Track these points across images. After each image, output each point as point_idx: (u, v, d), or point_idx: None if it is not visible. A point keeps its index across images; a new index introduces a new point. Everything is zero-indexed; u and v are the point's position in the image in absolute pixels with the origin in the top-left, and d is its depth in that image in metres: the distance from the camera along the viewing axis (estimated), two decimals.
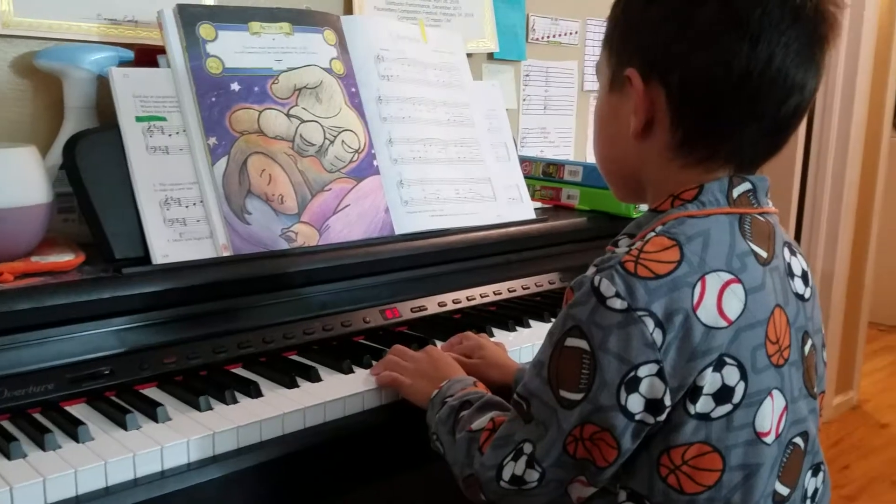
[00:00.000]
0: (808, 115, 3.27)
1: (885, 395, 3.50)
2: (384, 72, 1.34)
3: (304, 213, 1.18)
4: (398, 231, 1.27)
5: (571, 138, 2.11)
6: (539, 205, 1.66)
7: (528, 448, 0.76)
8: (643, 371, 0.69)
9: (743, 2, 0.71)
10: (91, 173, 1.06)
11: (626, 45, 0.78)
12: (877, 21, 2.95)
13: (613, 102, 0.80)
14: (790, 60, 0.72)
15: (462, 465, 0.83)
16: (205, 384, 0.97)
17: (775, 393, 0.74)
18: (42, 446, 0.81)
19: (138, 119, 1.10)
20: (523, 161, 1.66)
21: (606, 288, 0.70)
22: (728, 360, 0.70)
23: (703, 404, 0.71)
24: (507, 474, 0.77)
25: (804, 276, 0.81)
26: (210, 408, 0.92)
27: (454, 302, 1.29)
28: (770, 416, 0.74)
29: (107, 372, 0.95)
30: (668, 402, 0.70)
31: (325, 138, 1.23)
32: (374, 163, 1.28)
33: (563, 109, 2.07)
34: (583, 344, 0.71)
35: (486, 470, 0.79)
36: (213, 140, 1.12)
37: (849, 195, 3.03)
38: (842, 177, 2.99)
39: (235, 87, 1.16)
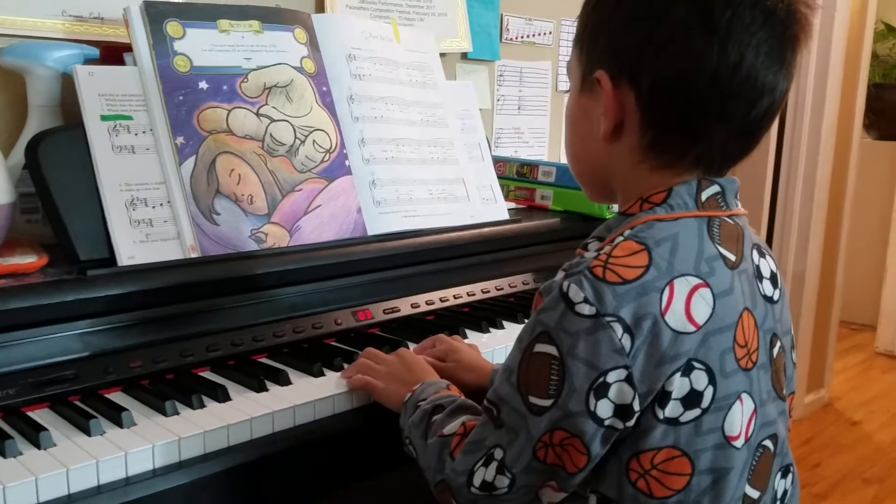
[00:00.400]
0: (779, 116, 3.30)
1: (856, 392, 3.54)
2: (356, 71, 1.32)
3: (274, 214, 1.16)
4: (371, 232, 1.26)
5: (545, 139, 2.11)
6: (513, 205, 1.66)
7: (498, 454, 0.75)
8: (612, 377, 0.68)
9: (713, 3, 0.70)
10: (55, 173, 1.03)
11: (595, 45, 0.77)
12: (848, 22, 2.98)
13: (584, 103, 0.80)
14: (760, 62, 0.71)
15: (434, 470, 0.82)
16: (171, 388, 0.96)
17: (744, 396, 0.74)
18: (3, 453, 0.79)
19: (103, 118, 1.07)
20: (497, 161, 1.65)
21: (575, 293, 0.69)
22: (696, 364, 0.70)
23: (672, 409, 0.70)
24: (477, 480, 0.76)
25: (773, 278, 0.81)
26: (176, 412, 0.90)
27: (427, 303, 1.28)
28: (739, 419, 0.74)
29: (71, 376, 0.93)
30: (636, 407, 0.69)
31: (295, 138, 1.21)
32: (346, 163, 1.26)
33: (538, 110, 2.07)
34: (552, 350, 0.70)
35: (456, 476, 0.78)
36: (180, 139, 1.11)
37: (820, 195, 3.06)
38: (813, 177, 3.02)
39: (203, 85, 1.14)
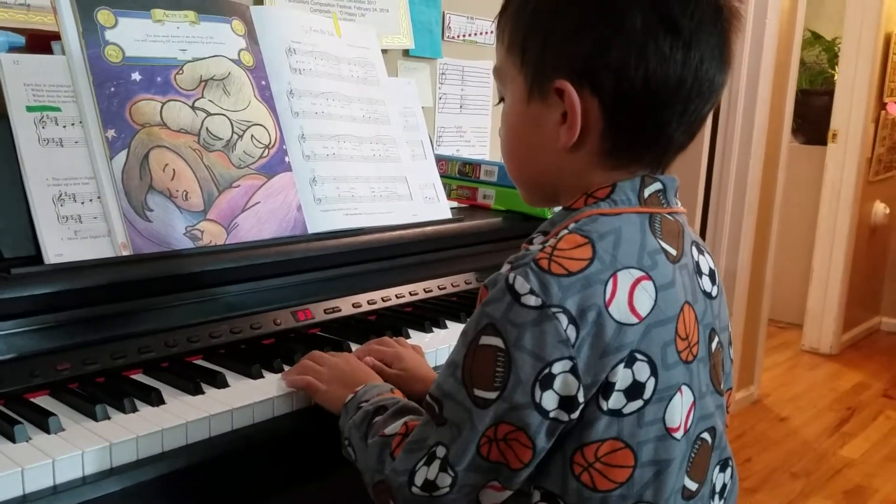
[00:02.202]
0: (712, 120, 3.36)
1: (784, 389, 3.66)
2: (296, 65, 1.30)
3: (210, 211, 1.13)
4: (311, 230, 1.24)
5: (487, 138, 2.11)
6: (455, 204, 1.65)
7: (440, 451, 0.74)
8: (557, 368, 0.68)
9: (674, 5, 0.70)
10: None
11: (543, 51, 0.75)
12: (777, 30, 3.07)
13: (533, 112, 0.77)
14: (715, 64, 0.73)
15: (373, 471, 0.80)
16: (102, 392, 0.92)
17: (684, 388, 0.75)
18: None
19: (29, 109, 1.03)
20: (439, 160, 1.64)
21: (521, 285, 0.69)
22: (639, 356, 0.71)
23: (615, 400, 0.71)
24: (419, 479, 0.75)
25: (711, 275, 0.83)
26: (107, 417, 0.86)
27: (369, 303, 1.26)
28: (679, 411, 0.74)
29: None
30: (581, 398, 0.69)
31: (233, 132, 1.18)
32: (286, 159, 1.23)
33: (479, 109, 2.07)
34: (497, 342, 0.70)
35: (397, 475, 0.76)
36: (111, 132, 1.06)
37: (751, 197, 3.15)
38: (744, 179, 3.11)
39: (136, 76, 1.10)
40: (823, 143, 4.11)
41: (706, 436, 0.79)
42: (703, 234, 3.17)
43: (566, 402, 0.69)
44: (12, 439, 0.80)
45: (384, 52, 1.54)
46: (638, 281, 0.71)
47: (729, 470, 0.86)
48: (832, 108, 4.02)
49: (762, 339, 3.50)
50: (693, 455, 0.78)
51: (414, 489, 0.75)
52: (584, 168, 0.77)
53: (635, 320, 0.70)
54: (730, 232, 3.15)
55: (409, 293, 1.32)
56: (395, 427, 0.81)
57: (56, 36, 1.09)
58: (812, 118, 4.41)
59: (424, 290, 1.35)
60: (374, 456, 0.80)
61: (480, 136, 2.09)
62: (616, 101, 0.72)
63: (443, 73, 1.96)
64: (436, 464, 0.74)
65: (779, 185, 3.36)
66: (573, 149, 0.76)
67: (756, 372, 3.48)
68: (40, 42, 1.14)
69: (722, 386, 0.83)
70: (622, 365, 0.70)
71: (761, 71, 3.02)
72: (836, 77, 4.13)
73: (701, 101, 0.74)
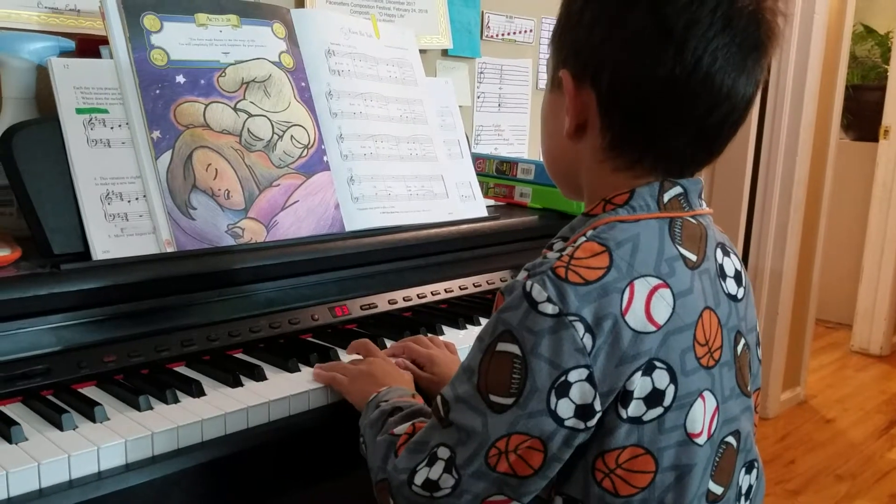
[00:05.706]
0: (758, 116, 3.29)
1: (831, 390, 3.59)
2: (335, 66, 1.32)
3: (251, 209, 1.16)
4: (348, 228, 1.26)
5: (525, 136, 2.12)
6: (492, 202, 1.66)
7: (442, 452, 0.74)
8: (573, 376, 0.69)
9: (671, 7, 0.71)
10: (29, 166, 1.03)
11: (563, 44, 0.79)
12: (826, 24, 3.01)
13: (553, 100, 0.82)
14: (718, 67, 0.71)
15: (377, 469, 0.81)
16: (145, 383, 0.95)
17: (706, 394, 0.75)
18: None
19: (79, 111, 1.07)
20: (477, 158, 1.66)
21: (538, 293, 0.70)
22: (658, 363, 0.71)
23: (635, 408, 0.71)
24: (419, 479, 0.75)
25: (737, 277, 0.82)
26: (150, 407, 0.90)
27: (405, 300, 1.28)
28: (701, 417, 0.74)
29: (43, 370, 0.93)
30: (598, 406, 0.70)
31: (273, 133, 1.21)
32: (325, 158, 1.26)
33: (518, 107, 2.08)
34: (514, 349, 0.70)
35: (398, 473, 0.77)
36: (156, 133, 1.10)
37: (798, 195, 3.09)
38: (791, 177, 3.05)
39: (181, 79, 1.14)
40: (876, 139, 4.02)
41: (731, 439, 0.79)
42: (748, 232, 3.12)
43: (582, 411, 0.69)
44: (60, 427, 0.84)
45: (423, 52, 1.56)
46: (655, 289, 0.71)
47: (755, 471, 0.85)
48: (884, 103, 3.92)
49: (809, 339, 3.43)
50: (717, 459, 0.77)
51: (414, 487, 0.75)
52: (592, 162, 0.78)
53: (653, 328, 0.70)
54: (776, 230, 3.10)
55: (444, 290, 1.34)
56: (403, 427, 0.81)
57: (104, 40, 1.13)
58: (864, 114, 4.30)
59: (460, 287, 1.36)
60: (380, 454, 0.81)
61: (519, 135, 2.09)
62: (609, 95, 0.74)
63: (481, 72, 1.97)
64: (439, 465, 0.74)
65: (827, 182, 3.29)
66: (577, 139, 0.78)
67: (802, 372, 3.42)
68: (89, 46, 1.19)
69: (749, 387, 0.83)
70: (640, 373, 0.70)
71: (809, 66, 2.96)
72: (888, 72, 4.03)
73: (700, 105, 0.72)
